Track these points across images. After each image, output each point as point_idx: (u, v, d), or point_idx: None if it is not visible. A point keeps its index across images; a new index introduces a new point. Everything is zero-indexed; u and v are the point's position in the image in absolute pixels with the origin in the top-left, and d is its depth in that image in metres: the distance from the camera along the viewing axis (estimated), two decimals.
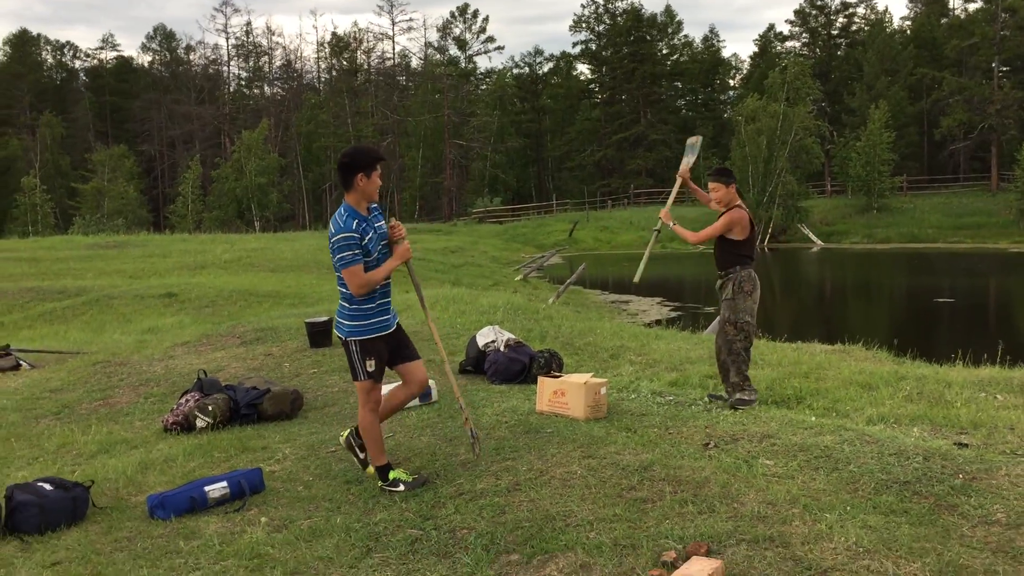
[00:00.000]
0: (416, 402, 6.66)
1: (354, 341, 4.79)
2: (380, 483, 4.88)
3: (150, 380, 8.60)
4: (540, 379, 6.30)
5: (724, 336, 6.32)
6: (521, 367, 7.40)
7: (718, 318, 6.59)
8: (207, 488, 4.83)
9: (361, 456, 5.12)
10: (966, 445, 5.07)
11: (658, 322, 19.50)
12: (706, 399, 6.55)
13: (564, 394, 6.05)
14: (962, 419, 5.79)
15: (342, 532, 4.30)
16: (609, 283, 30.94)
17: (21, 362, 10.22)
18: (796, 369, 7.69)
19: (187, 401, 6.75)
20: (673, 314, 21.54)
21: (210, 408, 6.56)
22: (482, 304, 12.37)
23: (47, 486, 4.74)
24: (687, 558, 3.55)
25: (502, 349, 7.66)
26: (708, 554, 3.58)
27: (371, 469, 4.99)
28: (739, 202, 6.34)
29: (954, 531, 3.78)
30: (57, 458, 6.14)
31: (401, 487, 4.79)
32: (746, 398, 6.21)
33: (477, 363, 7.83)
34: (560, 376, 6.37)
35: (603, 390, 6.07)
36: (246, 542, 4.24)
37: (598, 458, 4.98)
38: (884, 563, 3.47)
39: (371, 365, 4.78)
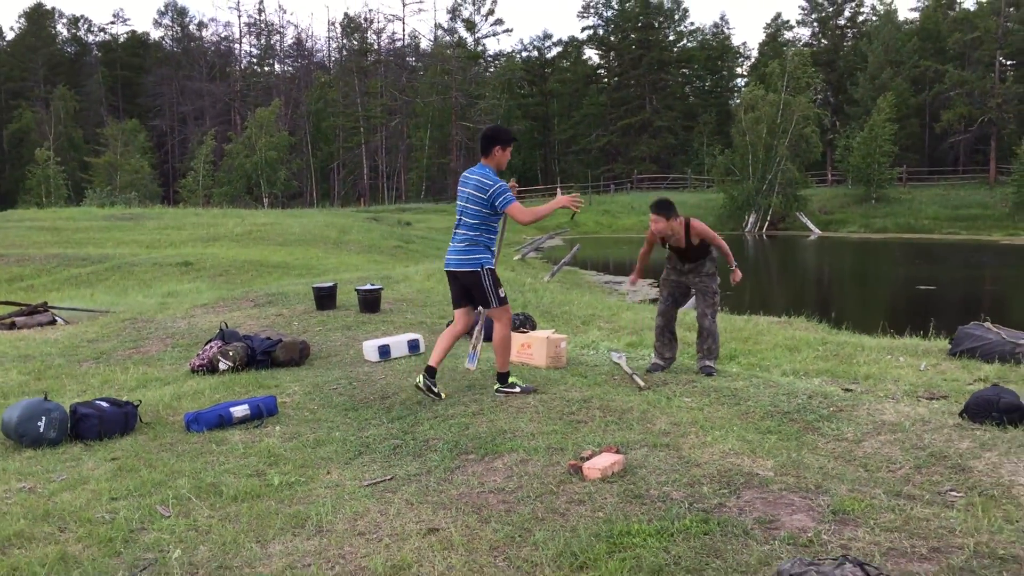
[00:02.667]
0: (407, 352, 7.83)
1: (487, 270, 6.07)
2: (498, 386, 6.21)
3: (175, 334, 9.76)
4: (511, 334, 7.42)
5: (712, 304, 6.77)
6: None
7: (688, 296, 7.04)
8: (232, 409, 5.98)
9: (436, 392, 6.23)
10: (850, 390, 6.19)
11: (653, 301, 20.56)
12: (648, 367, 6.89)
13: (530, 346, 7.19)
14: (859, 373, 6.93)
15: (340, 442, 5.44)
16: (610, 265, 32.03)
17: (57, 318, 11.39)
18: (737, 335, 8.83)
19: (211, 348, 7.90)
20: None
21: (231, 353, 7.71)
22: None
23: (104, 403, 5.89)
24: (600, 455, 4.68)
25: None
26: (616, 453, 4.71)
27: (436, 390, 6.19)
28: (680, 221, 6.68)
29: (809, 444, 4.92)
30: (102, 391, 7.28)
31: (517, 388, 6.16)
32: (715, 366, 6.76)
33: None
34: (528, 332, 7.50)
35: (563, 344, 7.20)
36: (264, 446, 5.39)
37: (550, 394, 6.12)
38: (745, 460, 4.61)
39: (502, 292, 6.16)
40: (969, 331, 7.89)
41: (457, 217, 6.24)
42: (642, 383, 6.31)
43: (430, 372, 6.21)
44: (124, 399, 6.12)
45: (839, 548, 3.55)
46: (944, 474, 4.40)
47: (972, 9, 60.18)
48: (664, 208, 6.64)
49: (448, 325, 6.59)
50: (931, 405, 5.71)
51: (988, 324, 7.96)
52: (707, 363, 6.72)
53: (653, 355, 7.01)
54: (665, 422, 5.35)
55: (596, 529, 3.84)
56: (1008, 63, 58.65)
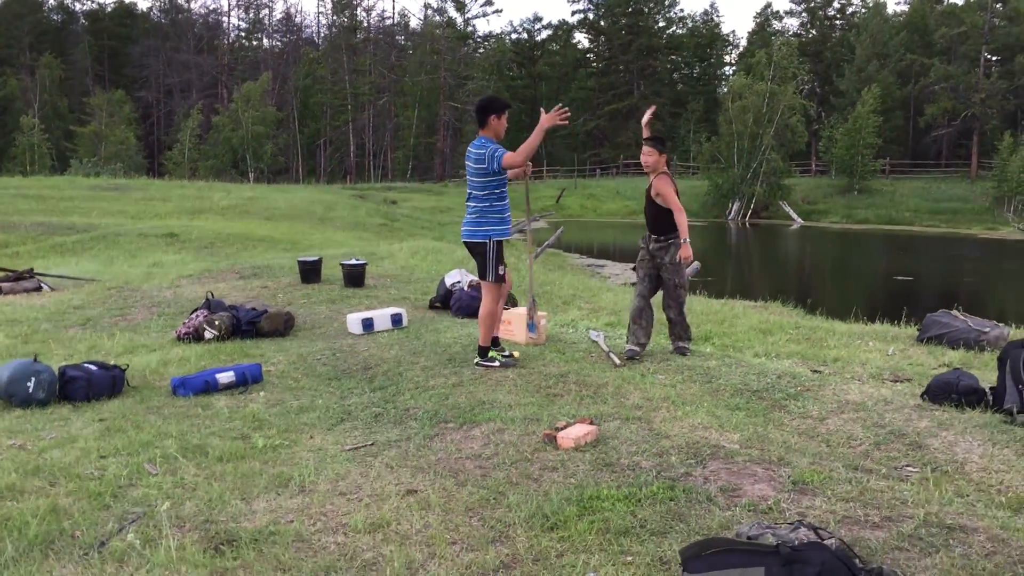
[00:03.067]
0: (390, 325, 7.99)
1: (494, 242, 6.26)
2: (477, 359, 6.38)
3: (161, 303, 9.87)
4: None
5: (676, 297, 6.71)
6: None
7: (643, 276, 6.87)
8: (218, 375, 6.12)
9: (508, 354, 6.55)
10: (819, 371, 6.40)
11: (633, 284, 20.74)
12: (625, 354, 6.74)
13: (510, 323, 7.36)
14: (829, 356, 7.15)
15: (323, 409, 5.60)
16: (594, 249, 32.24)
17: (43, 285, 11.45)
18: (714, 317, 9.04)
19: (197, 316, 8.03)
20: None
21: (216, 322, 7.84)
22: (458, 255, 13.65)
23: (92, 366, 6.02)
24: (574, 426, 4.86)
25: (466, 288, 8.95)
26: (590, 424, 4.89)
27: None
28: (665, 169, 6.73)
29: (775, 420, 5.12)
30: (89, 356, 7.38)
31: (496, 363, 6.33)
32: (688, 347, 6.86)
33: (445, 300, 9.14)
34: (509, 309, 7.67)
35: (543, 321, 7.37)
36: (249, 411, 5.54)
37: (528, 368, 6.30)
38: (712, 433, 4.80)
39: (501, 270, 6.33)
40: (937, 318, 8.13)
41: (468, 192, 6.43)
42: (618, 360, 6.50)
43: (482, 352, 6.46)
44: (111, 363, 6.25)
45: (797, 515, 3.74)
46: (902, 450, 4.61)
47: (959, 4, 60.56)
48: (660, 142, 6.75)
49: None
50: (895, 387, 5.93)
51: (955, 312, 8.19)
52: (680, 344, 6.83)
53: (628, 340, 6.87)
54: (638, 397, 5.53)
55: (567, 494, 4.02)
56: (993, 59, 59.05)
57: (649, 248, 6.79)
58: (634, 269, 7.06)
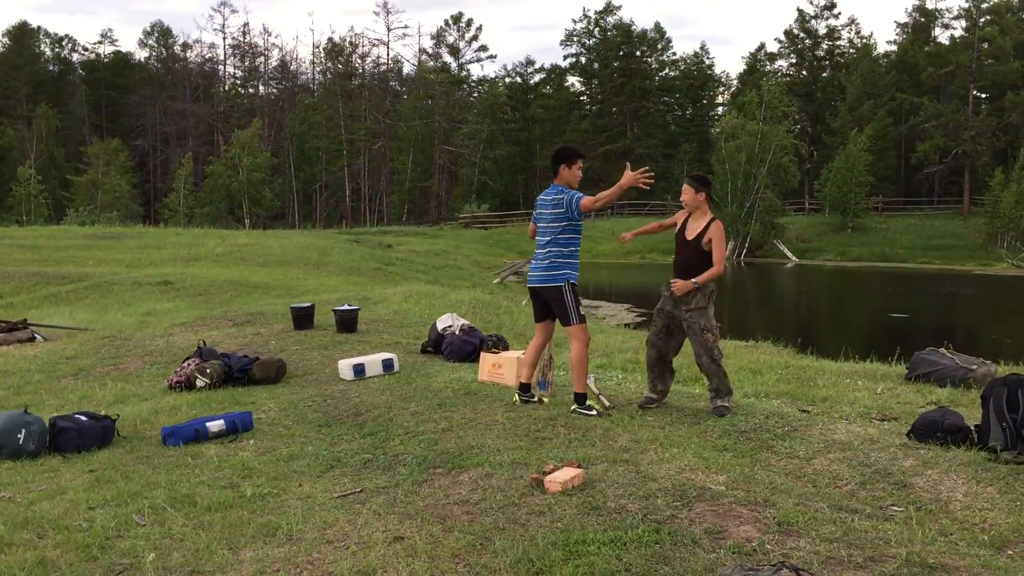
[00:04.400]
0: (381, 371, 8.03)
1: (570, 285, 6.27)
2: (575, 407, 6.28)
3: (153, 351, 9.89)
4: (483, 354, 7.65)
5: (704, 344, 6.31)
6: (472, 348, 8.74)
7: (660, 317, 6.57)
8: (208, 424, 6.14)
9: (536, 399, 6.57)
10: (807, 411, 6.43)
11: (627, 325, 20.79)
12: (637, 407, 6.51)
13: (501, 366, 7.40)
14: (817, 396, 7.19)
15: (312, 456, 5.62)
16: (589, 291, 32.35)
17: (36, 335, 11.48)
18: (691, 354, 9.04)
19: (188, 365, 8.06)
20: (639, 319, 22.92)
21: (208, 370, 7.87)
22: (451, 299, 13.71)
23: (83, 417, 6.04)
24: (562, 469, 4.88)
25: (457, 333, 9.00)
26: (577, 467, 4.92)
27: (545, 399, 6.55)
28: (714, 215, 6.47)
29: (762, 461, 5.14)
30: (80, 406, 7.39)
31: (594, 412, 6.21)
32: (728, 405, 6.28)
33: (436, 344, 9.17)
34: (499, 352, 7.71)
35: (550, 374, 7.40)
36: (239, 460, 5.55)
37: (518, 412, 6.33)
38: (699, 475, 4.83)
39: (581, 309, 6.33)
40: (925, 356, 8.17)
41: (539, 239, 6.45)
42: (607, 403, 6.52)
43: (524, 388, 6.55)
44: (102, 413, 6.27)
45: (780, 556, 3.76)
46: (887, 490, 4.64)
47: (946, 44, 61.42)
48: (699, 180, 6.52)
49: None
50: (882, 426, 5.96)
51: (943, 350, 8.24)
52: (718, 403, 6.29)
53: (647, 388, 6.66)
54: (626, 439, 5.56)
55: (553, 538, 4.04)
56: (982, 96, 59.79)
57: (671, 292, 6.44)
58: (635, 311, 6.96)
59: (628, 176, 6.08)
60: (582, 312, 6.34)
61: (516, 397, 6.58)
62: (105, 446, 5.99)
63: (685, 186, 6.49)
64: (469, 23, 74.67)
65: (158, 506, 4.65)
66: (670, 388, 6.75)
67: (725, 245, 6.43)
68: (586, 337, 6.34)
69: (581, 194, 6.26)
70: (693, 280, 6.25)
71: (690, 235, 6.40)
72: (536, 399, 6.59)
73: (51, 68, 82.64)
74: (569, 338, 6.42)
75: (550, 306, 6.41)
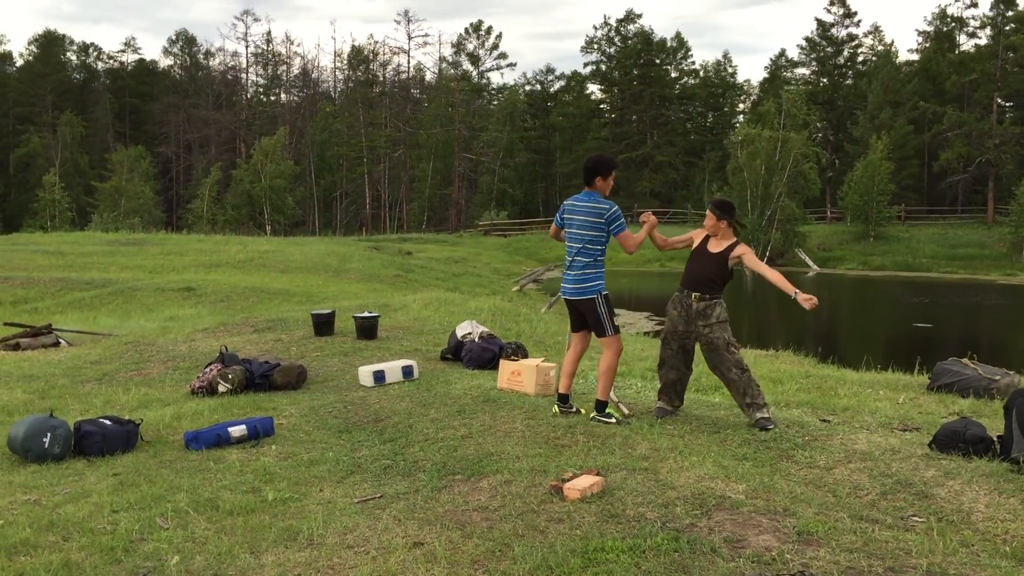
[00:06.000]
0: (401, 377, 8.06)
1: (603, 296, 6.31)
2: (595, 414, 6.28)
3: (176, 357, 9.98)
4: (502, 361, 7.67)
5: (733, 357, 6.23)
6: (492, 355, 8.76)
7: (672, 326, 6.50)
8: (230, 429, 6.19)
9: (575, 410, 6.49)
10: (827, 421, 6.41)
11: (646, 333, 20.74)
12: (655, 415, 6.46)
13: (520, 374, 7.41)
14: (838, 405, 7.15)
15: (333, 462, 5.65)
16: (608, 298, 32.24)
17: (61, 340, 11.61)
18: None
19: (211, 370, 8.12)
20: (658, 327, 22.86)
21: (230, 376, 7.93)
22: (471, 307, 13.74)
23: (107, 421, 6.11)
24: (581, 477, 4.89)
25: (477, 340, 9.03)
26: (597, 475, 4.92)
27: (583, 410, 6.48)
28: (734, 236, 6.47)
29: (782, 470, 5.13)
30: (104, 411, 7.48)
31: (613, 419, 6.20)
32: (770, 416, 6.16)
33: (456, 351, 9.20)
34: (519, 360, 7.73)
35: (552, 372, 7.42)
36: (260, 465, 5.60)
37: (537, 419, 6.34)
38: (718, 484, 4.82)
39: (615, 319, 6.38)
40: (947, 367, 8.11)
41: (569, 246, 6.44)
42: (627, 411, 6.53)
43: (563, 399, 6.52)
44: (126, 418, 6.34)
45: (800, 566, 3.76)
46: (908, 500, 4.62)
47: (971, 51, 61.02)
48: (720, 206, 6.48)
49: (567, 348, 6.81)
50: (903, 436, 5.92)
51: (966, 360, 8.18)
52: (757, 416, 6.11)
53: (659, 400, 6.61)
54: (646, 447, 5.56)
55: (572, 545, 4.05)
56: (1007, 104, 59.33)
57: (693, 308, 6.30)
58: (664, 339, 6.60)
59: (648, 223, 6.62)
60: (616, 323, 6.37)
61: (556, 408, 6.50)
62: (129, 450, 6.05)
63: (708, 212, 6.54)
64: (489, 31, 75.00)
65: (181, 510, 4.70)
66: (684, 401, 6.74)
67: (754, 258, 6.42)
68: (619, 347, 6.37)
69: (625, 225, 6.31)
70: (800, 294, 6.04)
71: (715, 249, 6.41)
72: (575, 410, 6.48)
73: (76, 76, 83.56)
74: (601, 348, 6.43)
75: (586, 316, 6.42)
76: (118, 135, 76.30)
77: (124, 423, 6.15)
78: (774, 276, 6.28)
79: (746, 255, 6.36)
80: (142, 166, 61.11)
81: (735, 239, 6.45)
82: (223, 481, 5.27)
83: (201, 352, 10.13)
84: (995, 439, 5.34)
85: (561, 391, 6.56)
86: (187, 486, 5.14)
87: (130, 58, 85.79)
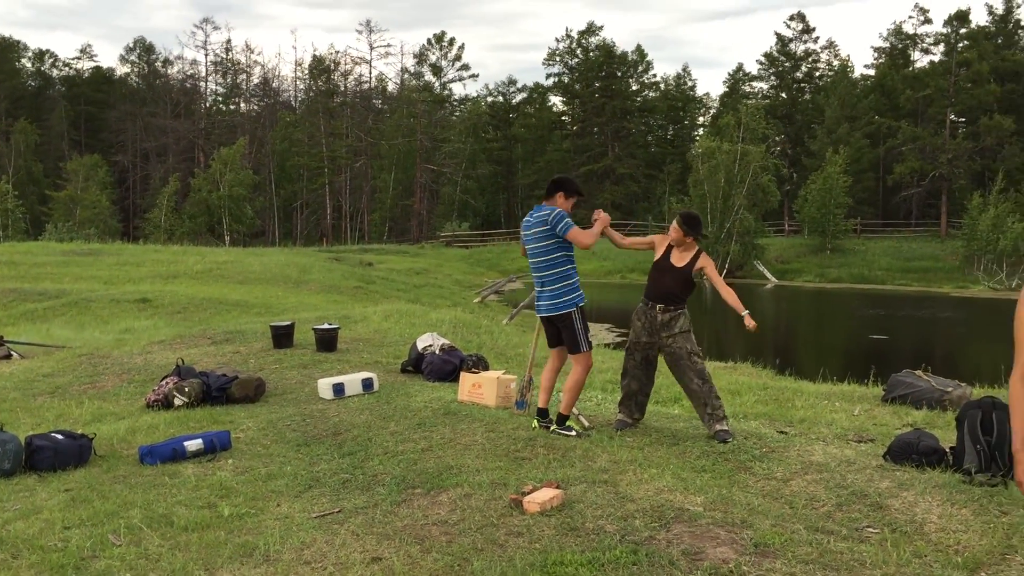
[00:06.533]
0: (360, 390, 8.01)
1: (579, 309, 6.22)
2: (555, 427, 6.24)
3: (131, 369, 9.82)
4: (462, 374, 7.65)
5: (694, 368, 6.28)
6: (453, 368, 8.74)
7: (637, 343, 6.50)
8: (186, 443, 6.10)
9: (552, 428, 6.34)
10: (785, 432, 6.48)
11: (607, 345, 20.80)
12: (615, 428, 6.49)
13: (480, 386, 7.40)
14: (795, 417, 7.24)
15: (291, 476, 5.60)
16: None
17: (12, 352, 11.38)
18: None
19: (167, 383, 8.01)
20: (619, 339, 22.96)
21: (186, 389, 7.82)
22: (432, 318, 13.70)
23: (59, 436, 6.00)
24: (541, 490, 4.89)
25: (438, 352, 9.00)
26: (556, 488, 4.92)
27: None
28: (697, 246, 6.49)
29: (740, 482, 5.17)
30: (56, 425, 7.33)
31: (573, 432, 6.17)
32: (728, 429, 6.19)
33: (417, 364, 9.16)
34: (479, 373, 7.72)
35: (512, 384, 7.42)
36: (216, 479, 5.53)
37: (497, 432, 6.33)
38: (677, 496, 4.85)
39: (589, 335, 6.27)
40: (901, 378, 8.25)
41: (533, 263, 6.36)
42: (587, 423, 6.54)
43: (541, 414, 6.43)
44: (79, 432, 6.22)
45: None
46: (863, 511, 4.67)
47: (925, 67, 62.27)
48: (688, 221, 6.42)
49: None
50: (858, 447, 6.00)
51: (919, 372, 8.32)
52: (717, 428, 6.14)
53: (619, 412, 6.65)
54: (606, 460, 5.58)
55: (532, 559, 4.05)
56: (959, 120, 60.58)
57: (657, 319, 6.34)
58: (628, 349, 6.58)
59: (600, 219, 6.44)
60: (590, 338, 6.34)
61: (535, 423, 6.43)
62: (81, 465, 5.94)
63: (674, 224, 6.47)
64: (452, 42, 75.11)
65: (134, 526, 4.62)
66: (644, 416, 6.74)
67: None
68: (589, 364, 6.34)
69: (572, 224, 6.18)
70: (746, 312, 6.13)
71: (678, 263, 6.41)
72: (575, 431, 6.26)
73: (31, 83, 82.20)
74: (574, 363, 6.36)
75: (561, 333, 6.36)
76: (73, 143, 75.10)
77: (77, 437, 6.04)
78: (727, 293, 6.33)
79: (708, 267, 6.42)
80: (98, 175, 60.18)
81: (697, 249, 6.48)
82: (178, 496, 5.19)
83: (157, 365, 9.98)
84: (948, 450, 5.44)
85: (540, 405, 6.49)
86: (141, 502, 5.06)
87: (86, 65, 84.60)
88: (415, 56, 77.30)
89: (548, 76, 79.84)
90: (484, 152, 74.46)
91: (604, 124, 72.01)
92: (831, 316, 34.83)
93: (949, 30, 59.26)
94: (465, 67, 75.93)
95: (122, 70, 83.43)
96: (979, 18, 62.18)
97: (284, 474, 5.63)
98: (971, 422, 5.24)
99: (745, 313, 6.13)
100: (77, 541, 4.40)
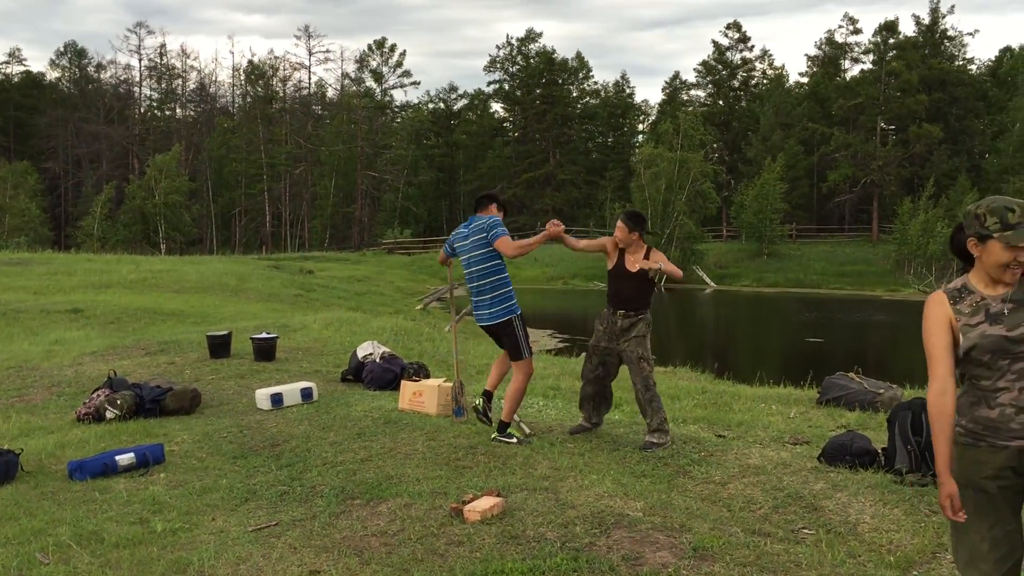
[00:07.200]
0: (299, 400, 7.90)
1: (518, 317, 6.23)
2: (495, 434, 6.23)
3: (61, 382, 9.55)
4: (403, 382, 7.61)
5: (640, 373, 6.28)
6: (393, 376, 8.68)
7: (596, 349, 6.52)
8: (117, 457, 5.95)
9: (488, 419, 6.40)
10: (723, 436, 6.55)
11: (549, 351, 20.84)
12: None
13: (421, 394, 7.35)
14: (733, 420, 7.33)
15: (227, 490, 5.49)
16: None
17: None
18: (624, 384, 9.12)
19: (98, 396, 7.80)
20: (561, 344, 23.04)
21: (118, 401, 7.63)
22: (373, 326, 13.60)
23: None
24: (481, 499, 4.87)
25: (378, 360, 8.93)
26: (497, 496, 4.91)
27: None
28: (645, 245, 6.50)
29: (679, 486, 5.22)
30: None
31: (514, 439, 6.19)
32: (657, 441, 6.13)
33: (357, 372, 9.07)
34: (420, 380, 7.67)
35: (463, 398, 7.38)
36: (149, 494, 5.39)
37: (438, 440, 6.29)
38: (617, 501, 4.87)
39: (529, 342, 6.28)
40: (835, 381, 8.41)
41: (468, 273, 6.34)
42: (527, 430, 6.54)
43: (487, 396, 6.44)
44: (5, 447, 6.02)
45: None
46: (798, 513, 4.75)
47: (856, 76, 63.78)
48: (633, 218, 6.44)
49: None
50: (794, 450, 6.10)
51: (852, 375, 8.49)
52: (646, 438, 6.21)
53: (582, 418, 6.69)
54: (546, 467, 5.58)
55: (472, 568, 4.02)
56: (889, 128, 62.19)
57: (618, 325, 6.36)
58: (587, 353, 6.61)
59: (553, 230, 6.44)
60: (530, 345, 6.37)
61: (479, 401, 6.45)
62: (8, 482, 5.75)
63: (620, 223, 6.44)
64: (393, 48, 74.71)
65: (63, 543, 4.49)
66: (603, 420, 6.76)
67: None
68: (530, 370, 6.41)
69: (504, 231, 6.24)
70: (659, 264, 6.15)
71: (632, 267, 6.39)
72: (516, 439, 6.23)
73: None
74: (515, 371, 6.38)
75: (503, 340, 6.37)
76: (2, 150, 72.96)
77: (2, 453, 5.85)
78: (668, 266, 6.31)
79: (660, 256, 6.38)
80: (28, 182, 58.57)
81: (646, 247, 6.48)
82: (109, 512, 5.06)
83: (88, 377, 9.72)
84: (879, 451, 5.55)
85: (487, 387, 6.51)
86: (70, 518, 4.91)
87: (16, 70, 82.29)
88: (356, 62, 76.86)
89: (489, 83, 79.84)
90: (426, 159, 74.24)
91: (545, 131, 72.32)
92: (768, 320, 35.43)
93: (879, 39, 60.78)
94: (406, 73, 75.61)
95: (53, 75, 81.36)
96: (907, 28, 63.54)
97: (220, 487, 5.52)
98: (902, 423, 5.35)
99: (659, 264, 6.19)
100: (2, 560, 4.25)
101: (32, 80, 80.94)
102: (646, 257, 6.38)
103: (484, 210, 6.45)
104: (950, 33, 64.29)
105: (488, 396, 6.50)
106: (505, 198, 6.58)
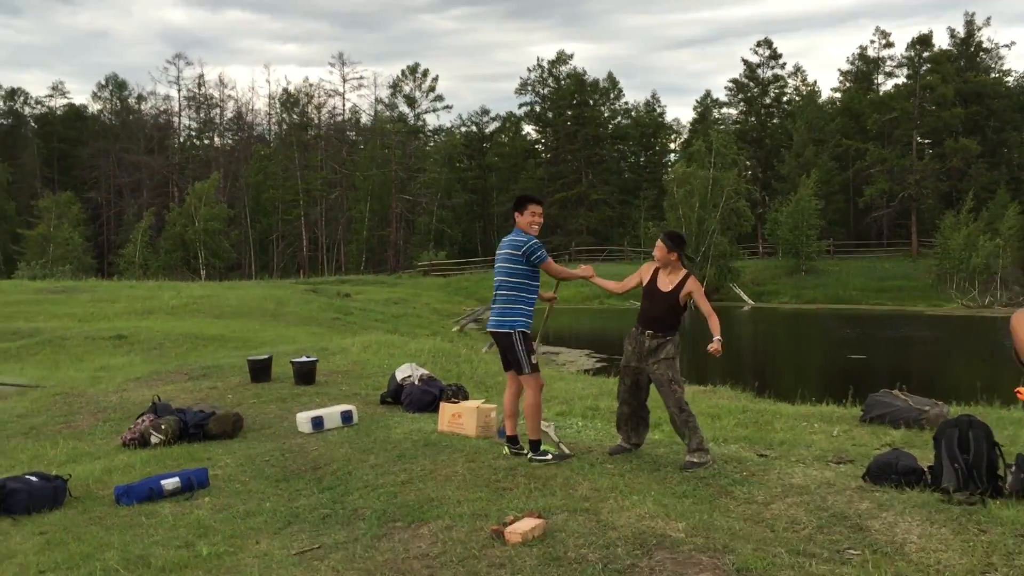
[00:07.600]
0: (340, 423, 7.96)
1: (519, 333, 6.30)
2: (531, 454, 6.27)
3: (107, 408, 9.72)
4: (442, 404, 7.64)
5: (672, 395, 6.27)
6: (432, 398, 8.71)
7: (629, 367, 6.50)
8: (163, 482, 6.04)
9: (525, 452, 6.41)
10: (765, 455, 6.49)
11: (587, 371, 20.79)
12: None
13: (460, 416, 7.38)
14: (775, 439, 7.27)
15: (270, 513, 5.54)
16: (549, 336, 32.37)
17: None
18: (662, 403, 9.10)
19: (143, 421, 7.93)
20: (599, 364, 22.98)
21: (163, 427, 7.75)
22: (411, 348, 13.66)
23: (33, 478, 5.92)
24: (522, 520, 4.87)
25: (417, 383, 8.97)
26: (538, 518, 4.90)
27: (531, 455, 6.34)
28: (684, 268, 6.48)
29: (721, 507, 5.18)
30: (31, 466, 7.23)
31: (549, 456, 6.24)
32: (698, 461, 6.08)
33: (396, 395, 9.13)
34: (459, 403, 7.70)
35: (492, 414, 7.41)
36: (194, 518, 5.46)
37: (478, 462, 6.30)
38: (659, 523, 4.84)
39: (534, 359, 6.33)
40: (879, 398, 8.31)
41: (496, 280, 6.51)
42: (567, 451, 6.53)
43: (512, 441, 6.48)
44: (54, 474, 6.14)
45: None
46: (844, 533, 4.69)
47: (891, 91, 63.24)
48: (672, 238, 6.44)
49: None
50: (838, 469, 6.03)
51: (896, 392, 8.38)
52: (686, 458, 6.14)
53: (621, 439, 6.67)
54: (587, 488, 5.57)
55: None
56: (925, 142, 61.55)
57: (645, 345, 6.35)
58: (620, 374, 6.63)
59: (584, 270, 6.79)
60: (535, 360, 6.38)
61: (506, 449, 6.49)
62: (56, 507, 5.86)
63: (659, 243, 6.45)
64: (425, 73, 75.31)
65: (111, 568, 4.56)
66: (644, 440, 6.72)
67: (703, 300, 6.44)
68: (540, 384, 6.43)
69: (547, 256, 6.37)
70: (717, 338, 6.17)
71: (664, 287, 6.39)
72: (525, 452, 6.37)
73: (3, 121, 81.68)
74: (524, 386, 6.44)
75: (506, 353, 6.43)
76: (46, 181, 74.51)
77: (51, 479, 5.96)
78: (711, 317, 6.33)
79: (696, 291, 6.41)
80: (71, 212, 59.72)
81: (684, 272, 6.46)
82: (155, 536, 5.13)
83: (133, 402, 9.88)
84: (926, 469, 5.47)
85: (508, 433, 6.55)
86: (117, 543, 4.99)
87: (59, 103, 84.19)
88: (389, 87, 77.63)
89: (521, 105, 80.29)
90: (459, 181, 74.70)
91: (577, 151, 72.45)
92: (808, 337, 35.05)
93: (913, 53, 60.26)
94: (439, 98, 76.15)
95: (95, 107, 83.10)
96: (941, 42, 63.04)
97: (263, 511, 5.57)
98: (948, 441, 5.28)
99: (716, 339, 6.16)
100: None
101: (75, 112, 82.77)
102: (682, 284, 6.38)
103: (517, 223, 6.50)
104: (985, 45, 63.68)
105: (513, 441, 6.51)
106: (520, 197, 6.60)
